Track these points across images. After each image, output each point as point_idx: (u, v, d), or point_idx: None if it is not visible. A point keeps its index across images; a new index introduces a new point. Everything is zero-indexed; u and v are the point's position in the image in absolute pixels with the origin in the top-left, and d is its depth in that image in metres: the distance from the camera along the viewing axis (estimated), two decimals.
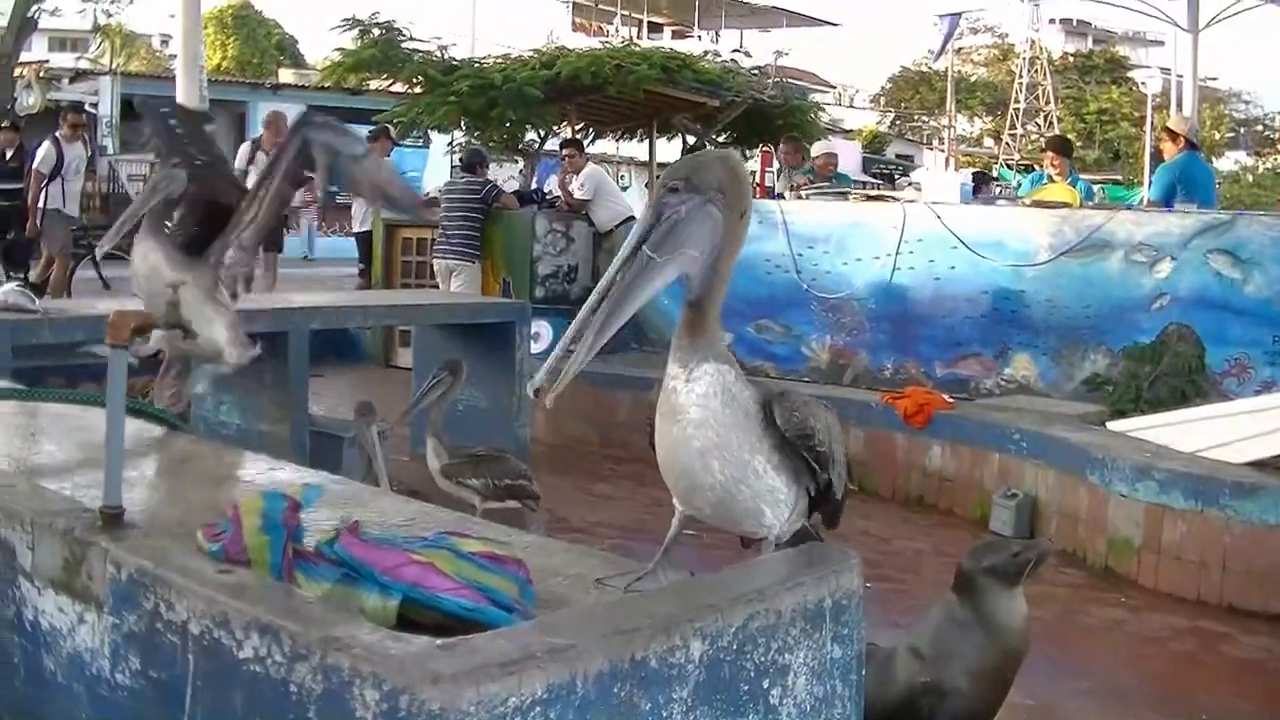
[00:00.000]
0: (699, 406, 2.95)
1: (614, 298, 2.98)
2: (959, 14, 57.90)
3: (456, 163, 20.38)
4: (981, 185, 16.95)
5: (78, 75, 38.84)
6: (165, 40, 62.76)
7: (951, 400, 10.98)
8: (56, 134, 17.81)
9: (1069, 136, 28.95)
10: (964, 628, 5.19)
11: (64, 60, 47.52)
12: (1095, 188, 16.74)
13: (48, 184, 17.04)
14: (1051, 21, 76.84)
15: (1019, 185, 16.82)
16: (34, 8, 30.50)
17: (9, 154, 18.33)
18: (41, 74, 35.01)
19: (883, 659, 4.93)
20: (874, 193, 15.52)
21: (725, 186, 3.02)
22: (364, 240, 17.87)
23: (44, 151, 17.28)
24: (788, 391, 3.10)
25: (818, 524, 3.33)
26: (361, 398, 8.52)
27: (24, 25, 30.39)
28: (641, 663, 2.40)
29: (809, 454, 3.06)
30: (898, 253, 12.07)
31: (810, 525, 3.26)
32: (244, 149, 17.86)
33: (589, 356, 2.98)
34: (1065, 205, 12.00)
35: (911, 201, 12.71)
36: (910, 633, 5.38)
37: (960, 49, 72.55)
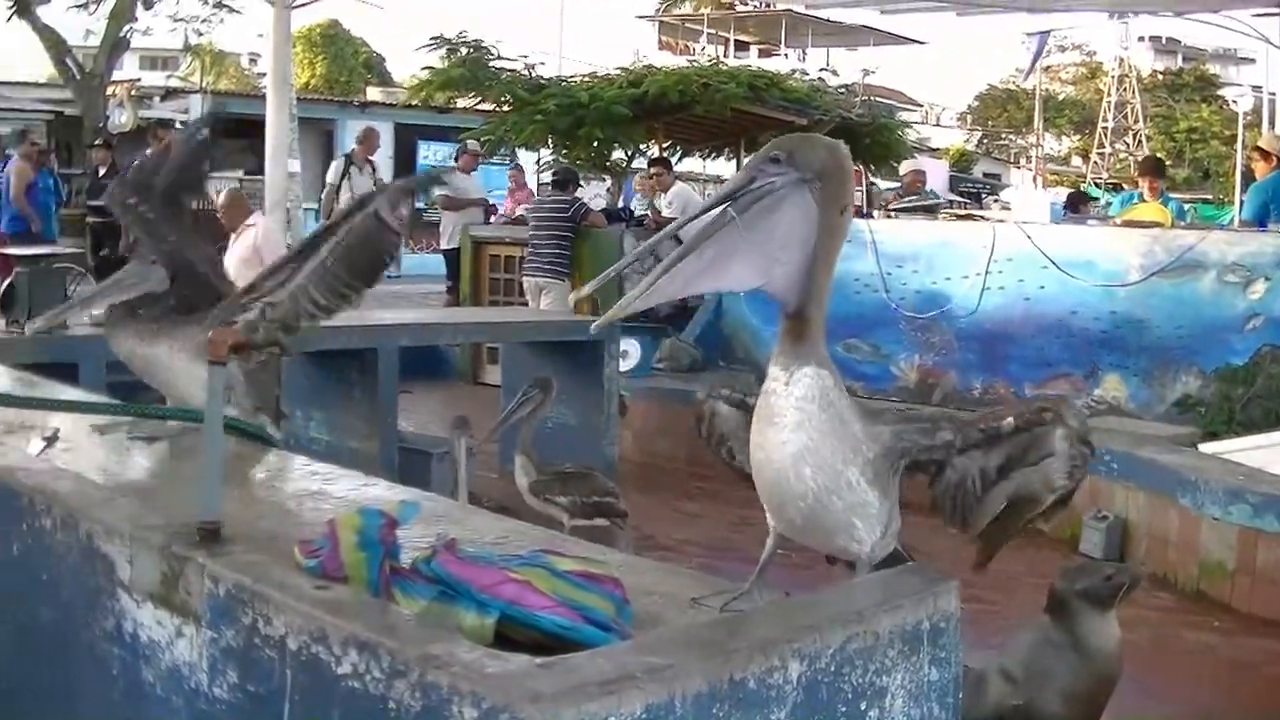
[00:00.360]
0: (796, 409, 2.90)
1: (684, 247, 2.92)
2: (1048, 32, 57.65)
3: (544, 181, 20.44)
4: (1079, 205, 16.81)
5: (169, 93, 39.14)
6: (254, 59, 63.24)
7: None
8: (146, 151, 17.97)
9: (1160, 156, 28.75)
10: (1057, 650, 5.16)
11: (155, 79, 47.95)
12: (1186, 207, 16.61)
13: None
14: (1141, 39, 76.12)
15: (1109, 204, 16.73)
16: (126, 28, 30.80)
17: (103, 171, 18.50)
18: (133, 92, 35.32)
19: (974, 680, 4.89)
20: (963, 212, 15.46)
21: (828, 174, 2.94)
22: (452, 257, 17.91)
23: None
24: (885, 411, 3.07)
25: (909, 546, 3.30)
26: (450, 414, 8.55)
27: (116, 45, 30.70)
28: (740, 684, 2.38)
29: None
30: (987, 272, 12.00)
31: (901, 547, 3.23)
32: (336, 165, 17.96)
33: (642, 295, 2.92)
34: (1157, 225, 11.91)
35: (1001, 221, 12.65)
36: (1001, 654, 5.35)
37: (1048, 67, 72.17)
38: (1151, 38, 78.12)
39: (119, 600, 3.04)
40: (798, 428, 2.90)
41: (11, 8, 28.66)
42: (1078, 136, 75.86)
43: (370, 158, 17.80)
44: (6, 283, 8.00)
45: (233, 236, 11.40)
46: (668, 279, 2.90)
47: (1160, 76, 76.08)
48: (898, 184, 16.51)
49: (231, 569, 2.76)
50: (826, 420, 2.92)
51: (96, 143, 20.13)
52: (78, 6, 31.23)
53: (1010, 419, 3.09)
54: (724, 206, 2.91)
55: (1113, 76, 72.16)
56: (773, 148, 2.95)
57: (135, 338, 4.64)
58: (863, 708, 2.65)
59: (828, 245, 2.95)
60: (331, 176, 17.69)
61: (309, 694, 2.52)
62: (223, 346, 3.12)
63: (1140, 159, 35.36)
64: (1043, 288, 11.65)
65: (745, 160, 2.62)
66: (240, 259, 10.81)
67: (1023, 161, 69.00)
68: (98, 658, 3.12)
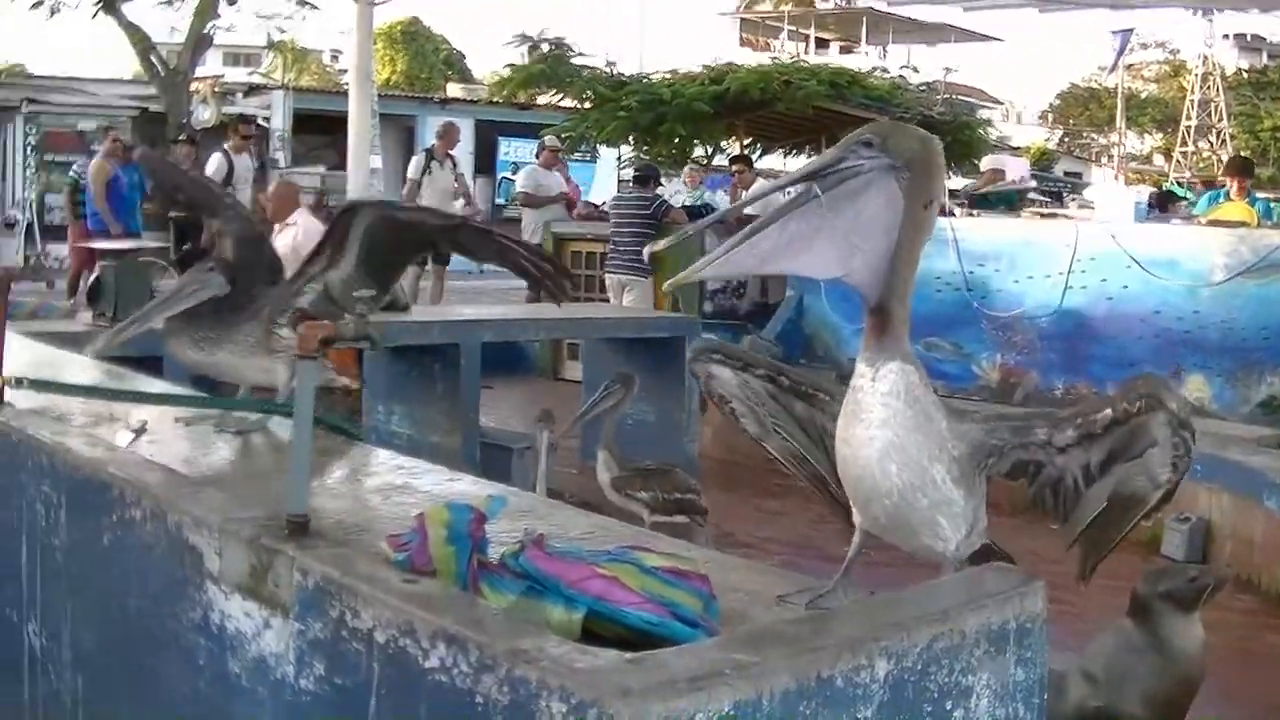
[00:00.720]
0: (883, 405, 2.87)
1: (765, 219, 2.87)
2: (1131, 29, 57.33)
3: (624, 177, 20.47)
4: (1167, 204, 16.66)
5: (251, 90, 39.41)
6: (335, 55, 63.64)
7: None
8: (225, 146, 18.09)
9: (1249, 158, 28.50)
10: (1139, 652, 5.12)
11: (238, 75, 48.31)
12: (1273, 206, 16.44)
13: None
14: (1225, 37, 75.35)
15: (1192, 203, 16.59)
16: (210, 24, 31.02)
17: (185, 166, 18.63)
18: (216, 88, 35.60)
19: (1054, 681, 4.86)
20: (1046, 210, 15.36)
21: (919, 165, 2.90)
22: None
23: (215, 162, 17.55)
24: (968, 411, 3.05)
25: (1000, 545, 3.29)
26: (531, 410, 8.57)
27: (200, 41, 30.92)
28: (827, 681, 2.37)
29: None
30: (1070, 271, 11.93)
31: (995, 546, 3.21)
32: (416, 160, 18.03)
33: (717, 261, 2.94)
34: (1243, 224, 11.80)
35: (1084, 219, 12.57)
36: (1083, 655, 5.31)
37: (1131, 65, 71.64)
38: (1236, 35, 77.34)
39: (207, 591, 3.05)
40: (883, 424, 2.88)
41: (97, 4, 28.92)
42: (1160, 135, 75.21)
43: (450, 152, 17.84)
44: (93, 277, 8.08)
45: (276, 228, 11.38)
46: (745, 250, 2.87)
47: (1245, 74, 75.27)
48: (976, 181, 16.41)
49: (320, 561, 2.77)
50: (912, 416, 2.89)
51: (180, 139, 20.28)
52: (163, 3, 31.49)
53: (1109, 410, 3.04)
54: (809, 185, 2.85)
55: (1196, 74, 71.45)
56: (866, 131, 2.90)
57: (194, 348, 4.68)
58: (948, 707, 2.63)
59: (912, 238, 2.90)
60: (413, 171, 17.78)
61: (396, 687, 2.52)
62: (313, 340, 3.13)
63: (1225, 158, 35.05)
64: (1126, 287, 11.57)
65: None
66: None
67: (1104, 160, 68.51)
68: (185, 648, 3.14)
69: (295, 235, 10.95)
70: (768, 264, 2.97)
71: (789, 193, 2.95)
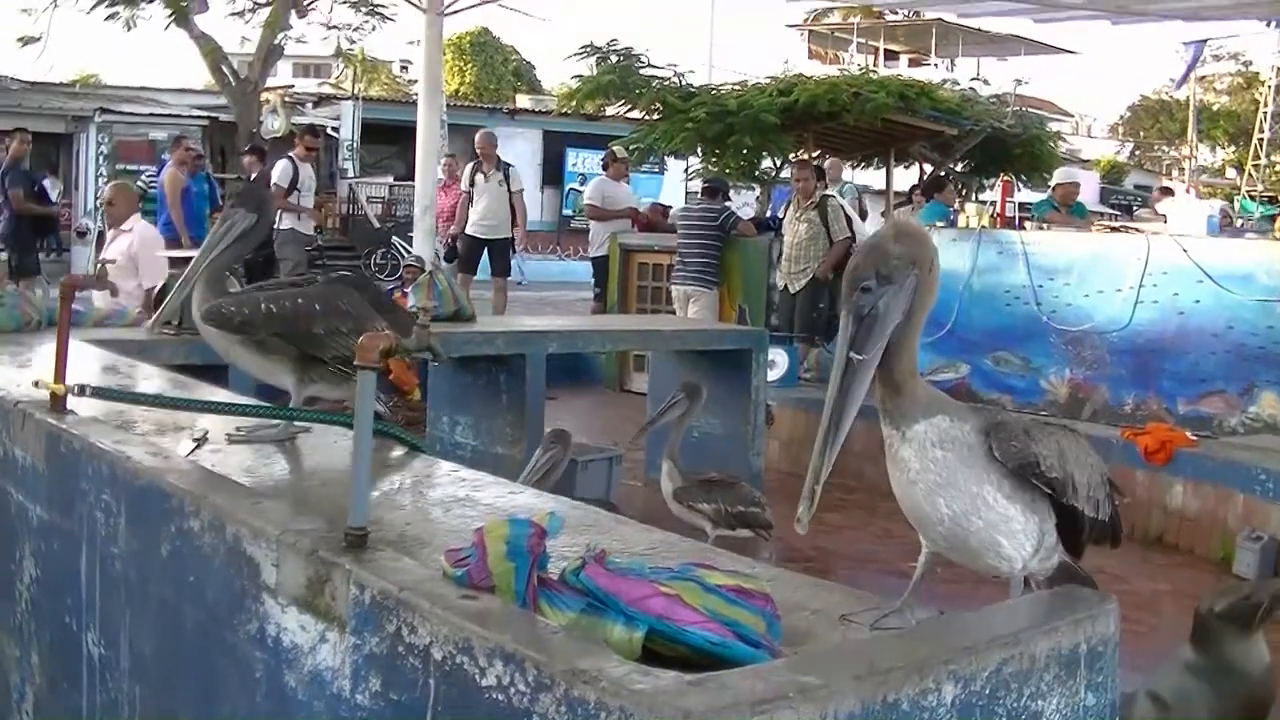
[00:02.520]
0: (917, 459, 2.93)
1: (837, 410, 2.96)
2: (1204, 41, 56.84)
3: (693, 189, 20.45)
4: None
5: (321, 100, 39.72)
6: (405, 66, 64.01)
7: (1194, 438, 10.69)
8: (291, 153, 18.15)
9: None
10: (1200, 675, 5.06)
11: (308, 85, 48.67)
12: None
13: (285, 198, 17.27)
14: None
15: (1263, 217, 16.41)
16: (280, 35, 31.25)
17: (252, 176, 18.70)
18: (286, 99, 35.87)
19: (1123, 703, 4.79)
20: (1115, 224, 15.21)
21: (913, 258, 2.95)
22: (600, 264, 17.90)
23: (281, 168, 17.61)
24: (1006, 421, 3.00)
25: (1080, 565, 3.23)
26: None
27: (271, 52, 31.16)
28: (894, 705, 2.32)
29: (1039, 481, 2.96)
30: (1141, 285, 11.80)
31: (1074, 564, 3.16)
32: (468, 169, 18.06)
33: (829, 467, 2.95)
34: None
35: (1155, 233, 12.44)
36: (1152, 678, 5.24)
37: (1203, 77, 71.14)
38: None
39: (264, 603, 3.03)
40: (922, 472, 2.93)
41: (170, 16, 29.16)
42: (1232, 148, 74.70)
43: (503, 162, 17.88)
44: (159, 285, 8.08)
45: (110, 233, 11.29)
46: (843, 434, 2.97)
47: None
48: (1046, 194, 16.26)
49: (378, 575, 2.74)
50: (952, 457, 2.92)
51: (246, 149, 20.41)
52: (234, 14, 31.75)
53: None
54: (849, 359, 2.94)
55: (1270, 86, 70.83)
56: (857, 280, 2.95)
57: (223, 341, 4.71)
58: None
59: (925, 303, 2.99)
60: (463, 184, 17.86)
61: (452, 705, 2.49)
62: (373, 351, 3.10)
63: None
64: (1198, 302, 11.44)
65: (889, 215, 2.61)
66: (115, 263, 10.77)
67: (1175, 173, 68.09)
68: (241, 660, 3.12)
69: (131, 243, 10.87)
70: (851, 420, 3.00)
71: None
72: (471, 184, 17.49)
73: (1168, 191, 16.99)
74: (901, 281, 2.92)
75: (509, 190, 17.65)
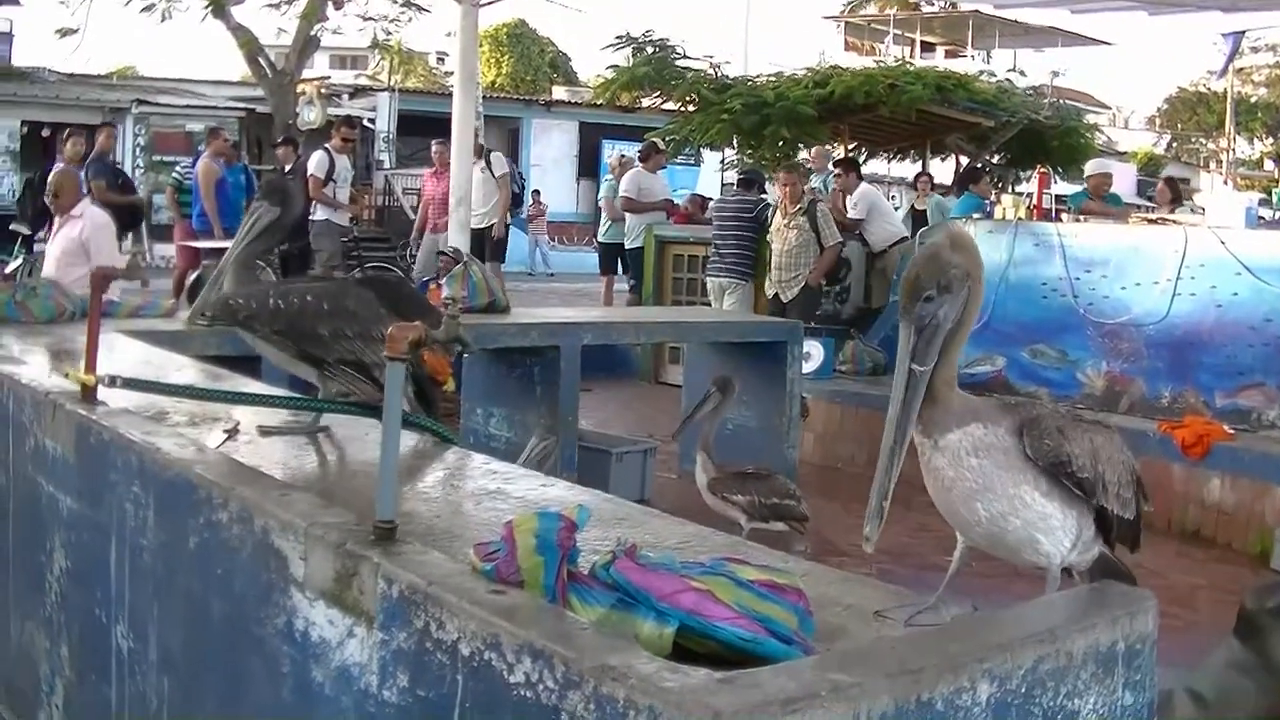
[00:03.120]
0: (951, 468, 2.89)
1: (901, 424, 2.91)
2: (1242, 33, 56.52)
3: (728, 181, 20.42)
4: None
5: (357, 91, 39.77)
6: (441, 58, 64.04)
7: (1232, 431, 10.62)
8: (327, 145, 18.14)
9: None
10: (1248, 671, 5.00)
11: (344, 77, 48.73)
12: None
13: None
14: None
15: None
16: (317, 26, 31.27)
17: (287, 168, 18.70)
18: (323, 90, 35.89)
19: (1161, 701, 4.74)
20: (1153, 216, 15.11)
21: (970, 269, 2.93)
22: (636, 256, 17.87)
23: (317, 159, 17.58)
24: (1040, 417, 2.95)
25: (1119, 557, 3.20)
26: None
27: (307, 43, 31.18)
28: (928, 704, 2.28)
29: (1069, 480, 2.92)
30: (1178, 278, 11.72)
31: (1113, 556, 3.12)
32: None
33: (894, 483, 2.88)
34: None
35: (1193, 225, 12.35)
36: (1191, 674, 5.19)
37: (1241, 69, 70.77)
38: None
39: (291, 597, 3.00)
40: (958, 480, 2.89)
41: (207, 7, 29.20)
42: (1270, 140, 74.33)
43: (492, 154, 17.99)
44: (194, 276, 8.07)
45: (57, 220, 11.22)
46: (901, 455, 2.90)
47: None
48: (1082, 186, 16.17)
49: (406, 569, 2.71)
50: (988, 463, 2.89)
51: (279, 140, 20.41)
52: (270, 6, 31.76)
53: None
54: (911, 370, 2.91)
55: None
56: (919, 289, 2.91)
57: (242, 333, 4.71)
58: None
59: (973, 315, 2.98)
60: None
61: (480, 701, 2.46)
62: (402, 342, 3.07)
63: None
64: (1236, 294, 11.35)
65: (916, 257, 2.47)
66: (63, 250, 10.72)
67: (1212, 165, 67.78)
68: (268, 654, 3.09)
69: (82, 229, 10.81)
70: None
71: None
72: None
73: (1172, 185, 16.78)
74: (959, 291, 2.91)
75: (493, 176, 17.65)
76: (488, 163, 17.65)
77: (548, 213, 37.21)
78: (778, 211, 14.16)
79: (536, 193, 35.37)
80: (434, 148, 18.92)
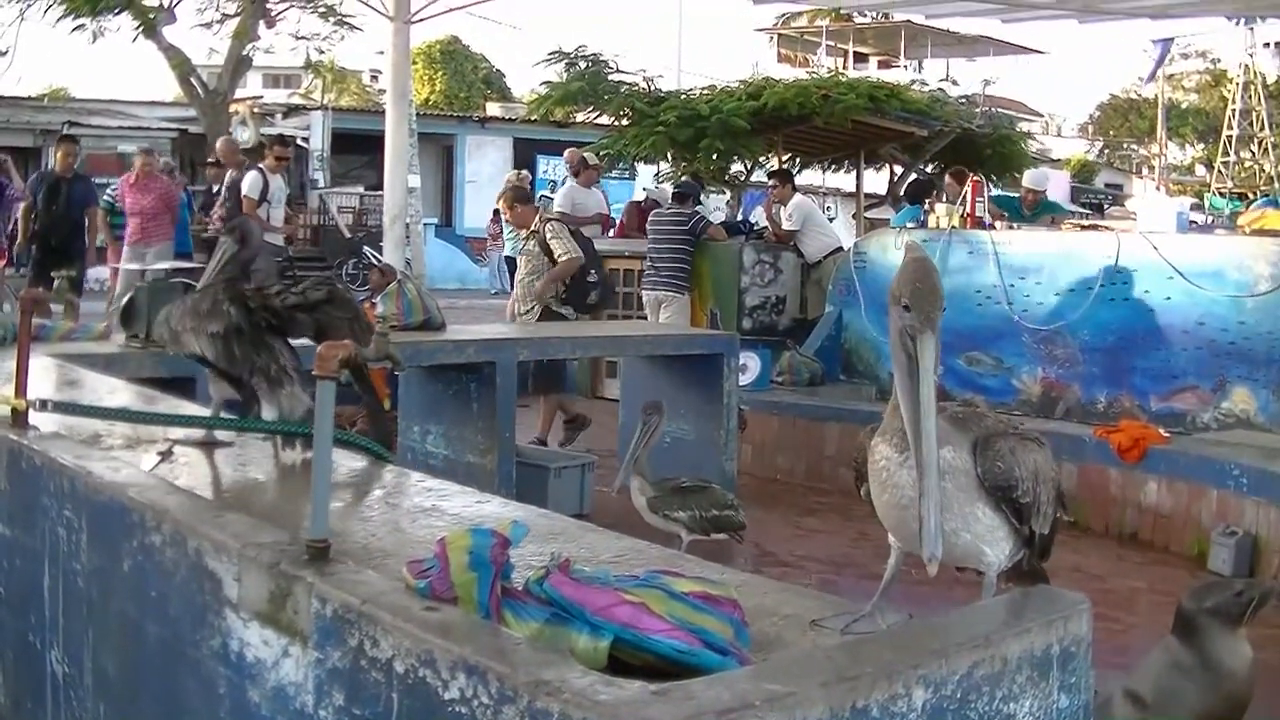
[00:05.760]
0: (913, 487, 2.83)
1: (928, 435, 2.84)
2: (1171, 39, 56.98)
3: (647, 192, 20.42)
4: None
5: (290, 110, 39.60)
6: (375, 75, 63.85)
7: (1167, 434, 10.68)
8: (260, 165, 18.06)
9: None
10: (1186, 671, 5.03)
11: (278, 96, 48.55)
12: None
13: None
14: (1266, 45, 74.92)
15: (1232, 214, 16.43)
16: (249, 46, 31.18)
17: (216, 188, 18.62)
18: (256, 110, 35.76)
19: (1100, 704, 4.76)
20: (1087, 223, 15.21)
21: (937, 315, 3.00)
22: None
23: (251, 179, 17.46)
24: (991, 438, 2.96)
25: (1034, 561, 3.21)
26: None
27: (239, 63, 31.10)
28: (863, 711, 2.29)
29: (1008, 506, 2.93)
30: (1111, 283, 11.81)
31: (1029, 559, 3.14)
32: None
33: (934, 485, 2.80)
34: None
35: (1125, 231, 12.44)
36: (1129, 676, 5.22)
37: (1171, 75, 71.34)
38: (1277, 43, 76.86)
39: (226, 618, 2.99)
40: (916, 500, 2.82)
41: (138, 28, 29.08)
42: (1201, 145, 74.92)
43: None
44: (125, 298, 8.03)
45: None
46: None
47: None
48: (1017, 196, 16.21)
49: (339, 588, 2.70)
50: (949, 485, 2.88)
51: (210, 160, 20.35)
52: (202, 26, 31.67)
53: None
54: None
55: (1237, 83, 70.98)
56: (939, 300, 3.01)
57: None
58: None
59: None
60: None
61: (415, 719, 2.45)
62: (332, 360, 3.06)
63: (1268, 168, 34.87)
64: (1169, 298, 11.45)
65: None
66: None
67: (1145, 171, 68.27)
68: (204, 676, 3.08)
69: None
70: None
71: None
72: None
73: (959, 176, 16.79)
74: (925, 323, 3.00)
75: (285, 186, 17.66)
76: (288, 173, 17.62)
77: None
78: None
79: (497, 212, 35.37)
80: (139, 156, 18.65)
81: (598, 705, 2.12)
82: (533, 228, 12.76)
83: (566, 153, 19.18)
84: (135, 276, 15.90)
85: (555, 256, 12.18)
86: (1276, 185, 52.50)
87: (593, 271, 12.60)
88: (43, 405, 4.29)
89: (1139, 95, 72.67)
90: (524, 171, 20.17)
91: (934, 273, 2.95)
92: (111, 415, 4.73)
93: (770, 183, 17.27)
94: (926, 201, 16.26)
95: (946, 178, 17.60)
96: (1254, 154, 67.23)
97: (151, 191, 17.90)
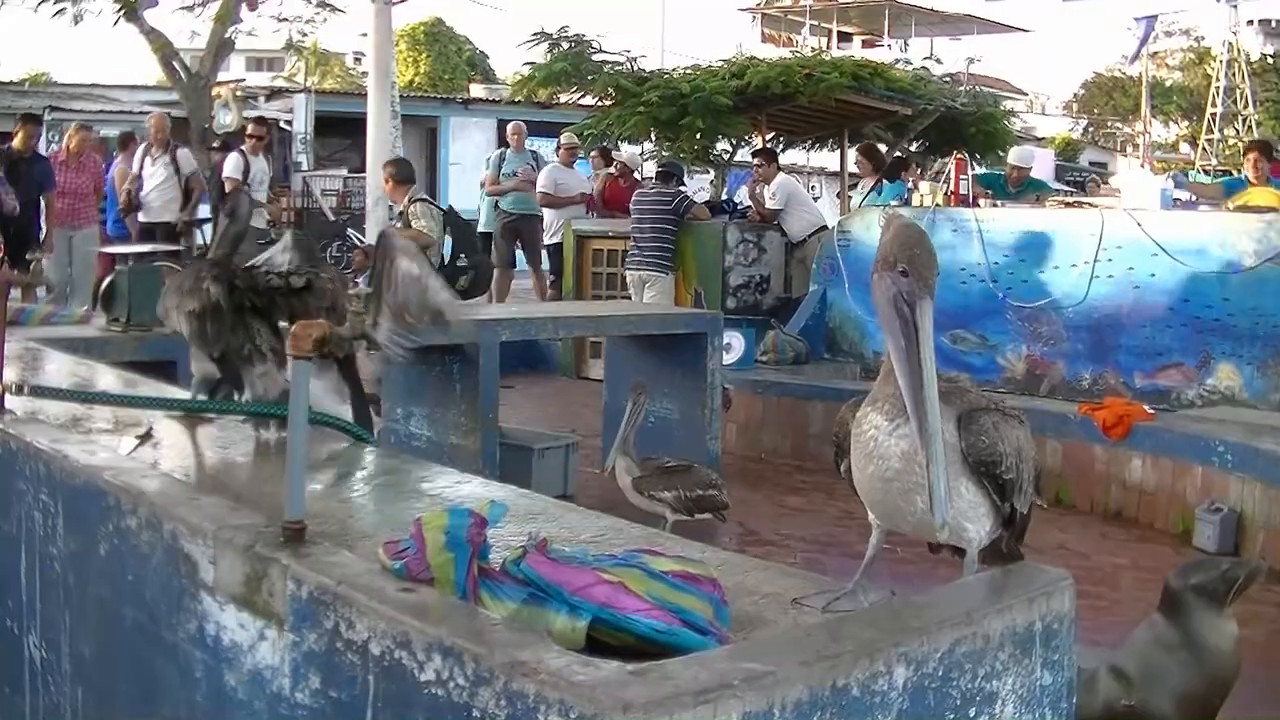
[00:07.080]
0: (902, 460, 2.81)
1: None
2: (1155, 17, 57.12)
3: (646, 173, 20.40)
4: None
5: (273, 94, 39.46)
6: (358, 58, 63.75)
7: (1152, 411, 10.66)
8: (241, 147, 17.99)
9: (1271, 140, 28.35)
10: (1171, 649, 5.03)
11: (261, 79, 48.44)
12: None
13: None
14: (1250, 23, 75.06)
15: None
16: (231, 29, 31.07)
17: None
18: (238, 93, 35.63)
19: (1084, 680, 4.75)
20: (1071, 200, 15.21)
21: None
22: (555, 251, 17.86)
23: (233, 161, 17.40)
24: (975, 412, 2.93)
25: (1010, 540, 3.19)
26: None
27: (221, 46, 30.95)
28: (843, 690, 2.27)
29: (991, 482, 2.91)
30: (1096, 260, 11.79)
31: (1010, 541, 3.11)
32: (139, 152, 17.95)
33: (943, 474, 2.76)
34: (1272, 210, 11.65)
35: (1109, 208, 12.42)
36: (1114, 653, 5.21)
37: (1155, 53, 71.50)
38: (1261, 20, 77.02)
39: (202, 602, 2.97)
40: (904, 473, 2.82)
41: (119, 11, 28.95)
42: (1185, 123, 75.03)
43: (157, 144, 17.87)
44: (106, 282, 7.99)
45: None
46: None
47: (1270, 60, 74.90)
48: (1002, 173, 16.20)
49: (315, 570, 2.68)
50: None
51: (214, 146, 20.24)
52: (184, 9, 31.51)
53: None
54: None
55: (1221, 61, 71.10)
56: (933, 265, 2.86)
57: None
58: (971, 714, 2.55)
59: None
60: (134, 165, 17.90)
61: (391, 700, 2.43)
62: (306, 340, 3.03)
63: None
64: (1153, 275, 11.43)
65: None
66: None
67: (1129, 149, 68.37)
68: (181, 659, 3.06)
69: None
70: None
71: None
72: (141, 166, 17.36)
73: (871, 153, 16.76)
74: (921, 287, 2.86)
75: (176, 173, 17.54)
76: (173, 158, 17.47)
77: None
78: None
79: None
80: (71, 135, 18.34)
81: (574, 686, 2.10)
82: (400, 208, 12.90)
83: (563, 135, 19.22)
84: (64, 260, 15.82)
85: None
86: None
87: (462, 256, 12.64)
88: (19, 389, 4.26)
89: (1123, 73, 72.81)
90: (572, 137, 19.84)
91: (928, 237, 2.90)
92: (89, 399, 4.70)
93: (755, 162, 17.22)
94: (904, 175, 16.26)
95: (855, 155, 17.67)
96: (1238, 131, 67.36)
97: (85, 170, 17.64)
